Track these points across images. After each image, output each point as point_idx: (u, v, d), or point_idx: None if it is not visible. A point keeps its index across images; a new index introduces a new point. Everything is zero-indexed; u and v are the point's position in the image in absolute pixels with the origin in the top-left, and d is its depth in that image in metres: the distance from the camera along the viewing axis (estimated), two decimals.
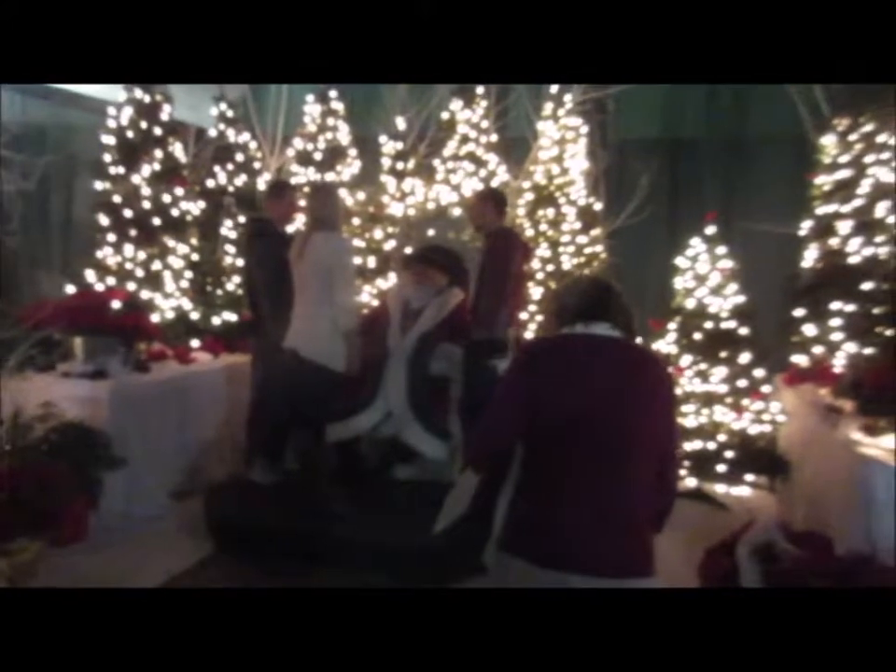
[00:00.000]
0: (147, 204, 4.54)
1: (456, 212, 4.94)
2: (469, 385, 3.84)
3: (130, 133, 4.57)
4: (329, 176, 5.29)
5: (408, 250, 4.75)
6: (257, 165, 5.33)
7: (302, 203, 4.24)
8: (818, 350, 4.14)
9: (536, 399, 1.61)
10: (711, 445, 4.14)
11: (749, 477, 4.13)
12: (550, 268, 4.99)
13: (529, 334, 4.81)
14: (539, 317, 4.87)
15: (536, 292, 4.94)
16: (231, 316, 4.89)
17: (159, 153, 4.63)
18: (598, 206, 5.20)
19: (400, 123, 5.31)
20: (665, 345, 4.37)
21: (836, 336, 3.99)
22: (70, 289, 4.02)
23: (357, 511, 3.43)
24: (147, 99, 4.60)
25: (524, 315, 4.73)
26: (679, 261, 4.51)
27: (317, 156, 5.32)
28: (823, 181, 4.38)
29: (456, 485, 1.78)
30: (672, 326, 4.43)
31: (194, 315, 4.79)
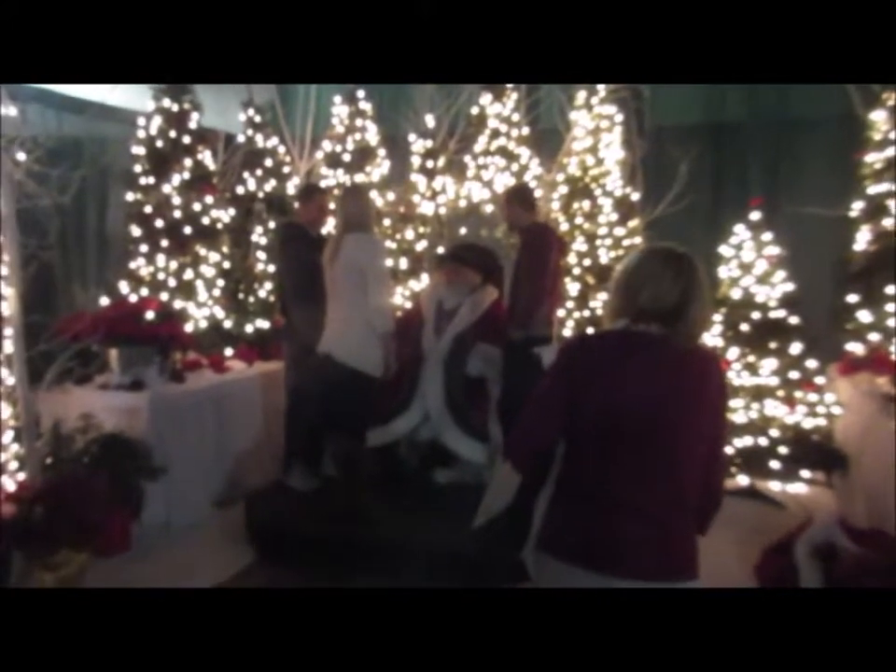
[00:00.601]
0: (177, 213, 4.61)
1: (489, 208, 4.92)
2: (508, 386, 3.84)
3: (159, 143, 4.65)
4: (359, 178, 5.32)
5: (440, 249, 4.75)
6: (286, 170, 5.38)
7: (333, 205, 4.27)
8: (873, 337, 4.04)
9: (578, 396, 1.60)
10: (763, 441, 4.07)
11: (805, 473, 4.05)
12: (587, 262, 4.93)
13: (567, 331, 4.77)
14: (577, 314, 4.84)
15: (573, 288, 4.90)
16: (263, 324, 4.93)
17: (188, 161, 4.70)
18: (636, 196, 5.13)
19: (429, 121, 5.31)
20: (710, 338, 4.30)
21: (893, 322, 3.90)
22: (105, 301, 4.13)
23: (398, 516, 3.44)
24: (175, 108, 4.67)
25: (561, 312, 4.68)
26: (723, 250, 4.44)
27: (346, 157, 5.35)
28: (874, 159, 4.28)
29: (495, 481, 1.78)
30: (717, 317, 4.35)
31: (227, 323, 4.84)
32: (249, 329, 4.89)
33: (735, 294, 4.33)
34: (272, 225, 5.06)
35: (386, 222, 5.15)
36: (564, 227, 5.00)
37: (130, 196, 4.68)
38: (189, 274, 4.67)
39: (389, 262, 4.80)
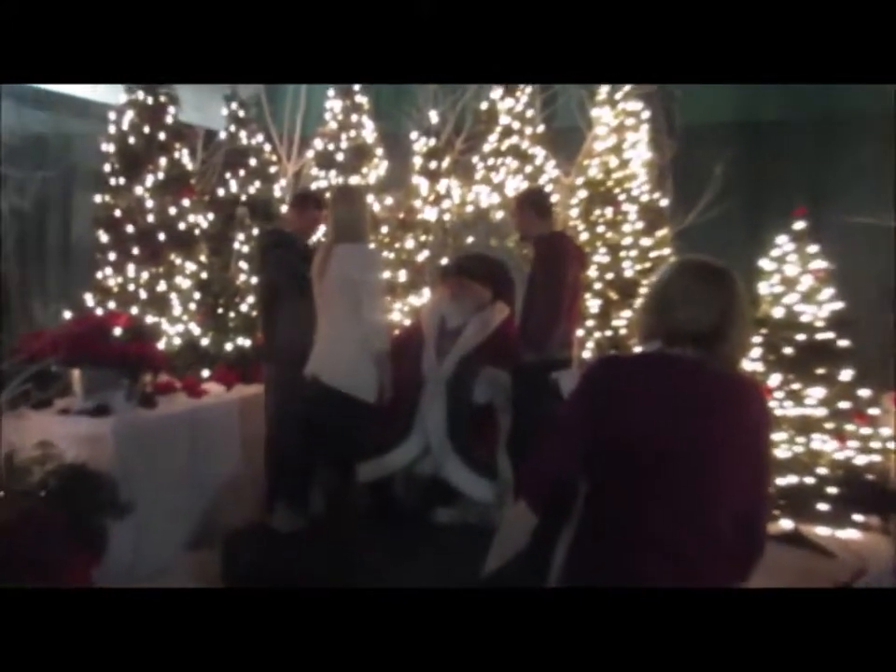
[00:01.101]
0: (150, 218, 4.63)
1: (499, 215, 4.96)
2: (520, 415, 3.83)
3: (132, 139, 4.67)
4: (354, 180, 5.35)
5: (444, 261, 4.75)
6: (272, 170, 5.42)
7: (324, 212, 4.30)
8: None
9: (602, 427, 1.62)
10: (809, 480, 4.05)
11: (857, 517, 4.03)
12: (609, 276, 4.93)
13: (586, 353, 4.78)
14: (598, 334, 4.85)
15: (593, 305, 4.90)
16: (245, 342, 4.95)
17: (163, 160, 4.74)
18: (664, 202, 5.14)
19: (433, 117, 5.35)
20: (749, 363, 4.30)
21: None
22: (67, 316, 4.10)
23: (393, 562, 3.43)
24: (150, 101, 4.70)
25: (579, 332, 4.72)
26: (764, 264, 4.43)
27: (340, 157, 5.39)
28: None
29: (506, 523, 1.79)
30: (757, 339, 4.35)
31: (204, 342, 4.84)
32: (229, 347, 4.90)
33: (778, 313, 4.33)
34: (255, 232, 5.10)
35: (384, 230, 5.18)
36: (584, 236, 5.01)
37: (98, 198, 4.70)
38: (162, 286, 4.68)
39: (386, 275, 4.85)
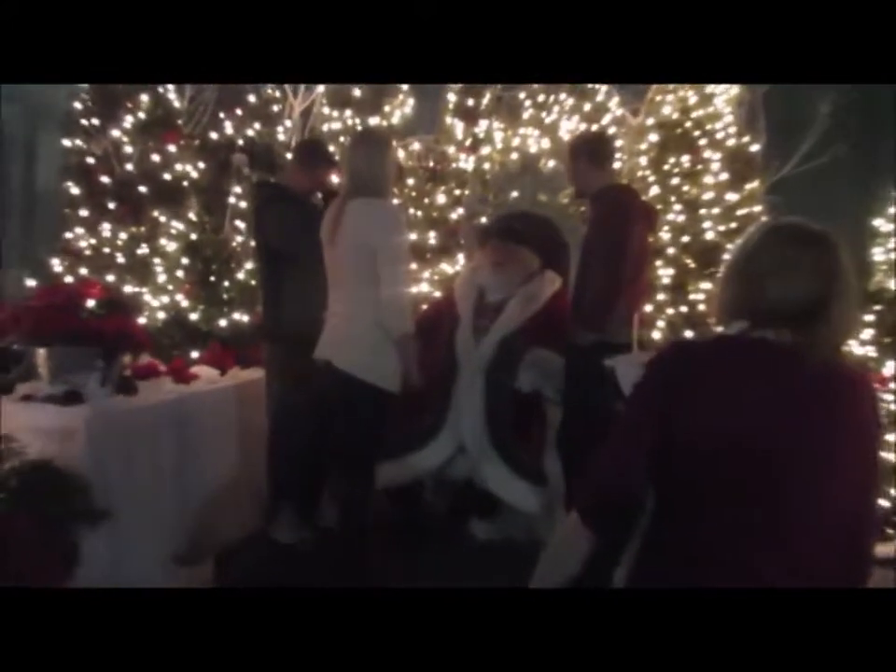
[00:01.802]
0: (129, 167, 4.64)
1: (550, 165, 4.90)
2: (572, 407, 3.83)
3: None
4: (373, 121, 5.32)
5: (483, 220, 4.75)
6: (275, 109, 5.39)
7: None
8: None
9: (674, 427, 1.62)
10: None
11: None
12: (685, 239, 4.82)
13: (655, 335, 4.70)
14: (671, 311, 4.77)
15: (664, 275, 4.80)
16: (242, 317, 4.93)
17: (145, 97, 4.74)
18: (755, 148, 4.98)
19: None
20: (857, 347, 4.24)
21: None
22: (31, 284, 4.11)
23: (418, 583, 3.39)
24: None
25: (647, 308, 4.63)
26: (878, 224, 4.37)
27: (357, 93, 5.36)
28: None
29: (556, 540, 1.80)
30: (868, 317, 4.29)
31: (194, 316, 4.82)
32: (223, 323, 4.87)
33: (894, 285, 4.27)
34: (254, 184, 4.99)
35: (410, 182, 5.12)
36: (654, 190, 4.91)
37: (67, 143, 4.70)
38: (143, 249, 4.70)
39: (412, 237, 4.81)
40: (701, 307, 4.71)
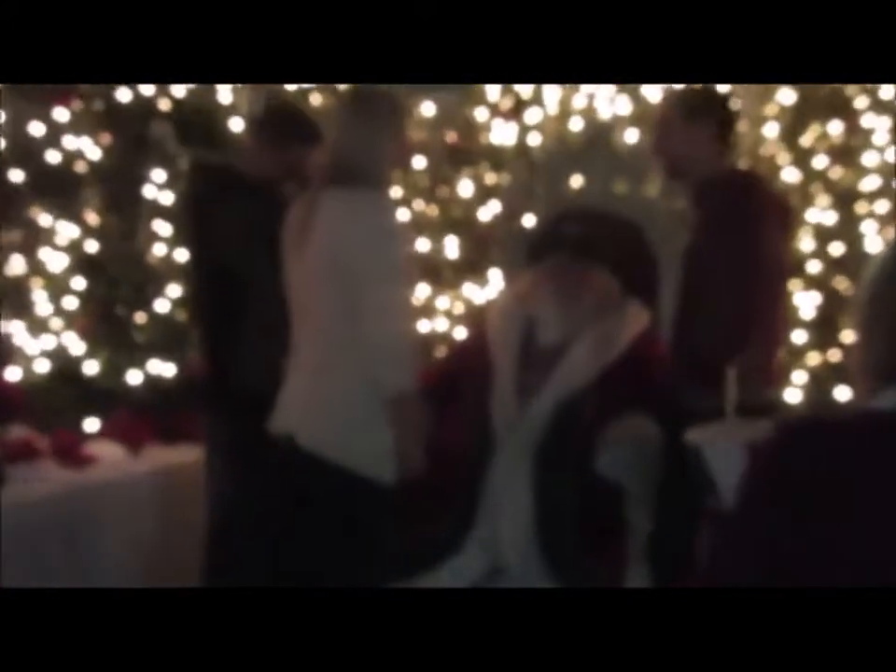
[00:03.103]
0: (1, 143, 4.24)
1: (630, 138, 4.15)
2: (673, 507, 3.34)
3: None
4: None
5: (530, 223, 4.23)
6: None
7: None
8: None
9: (808, 546, 1.42)
10: None
11: None
12: (835, 248, 4.03)
13: (792, 395, 3.96)
14: (815, 355, 4.10)
15: (805, 301, 4.04)
16: (165, 368, 4.33)
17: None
18: None
19: None
20: None
21: None
22: None
23: None
24: None
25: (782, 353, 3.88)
26: None
27: None
28: None
29: None
30: None
31: (91, 367, 4.30)
32: (135, 379, 4.30)
33: None
34: (187, 167, 4.43)
35: (419, 164, 4.36)
36: (789, 175, 4.19)
37: None
38: (17, 266, 4.23)
39: (420, 246, 4.26)
40: None
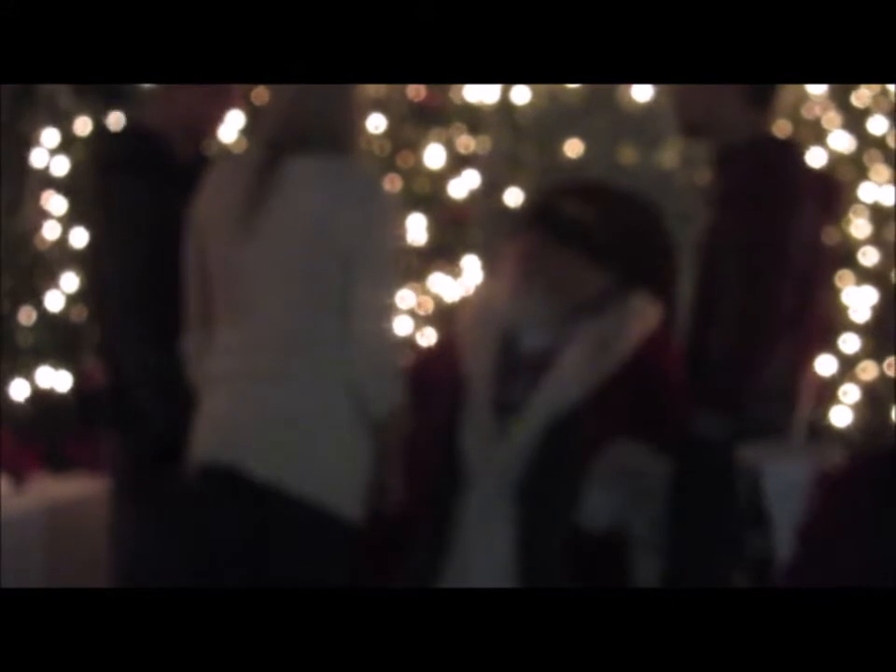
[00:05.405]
0: None
1: (641, 95, 3.98)
2: (689, 553, 3.16)
3: None
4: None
5: (514, 199, 4.11)
6: None
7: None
8: None
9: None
10: None
11: None
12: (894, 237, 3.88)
13: (843, 414, 3.80)
14: (870, 367, 3.96)
15: (857, 298, 3.86)
16: (56, 380, 4.14)
17: None
18: None
19: None
20: None
21: None
22: None
23: None
24: None
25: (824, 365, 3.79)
26: None
27: None
28: None
29: None
30: None
31: None
32: (21, 392, 4.11)
33: None
34: (84, 133, 4.26)
35: (377, 126, 4.09)
36: (839, 141, 3.99)
37: None
38: None
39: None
40: None
